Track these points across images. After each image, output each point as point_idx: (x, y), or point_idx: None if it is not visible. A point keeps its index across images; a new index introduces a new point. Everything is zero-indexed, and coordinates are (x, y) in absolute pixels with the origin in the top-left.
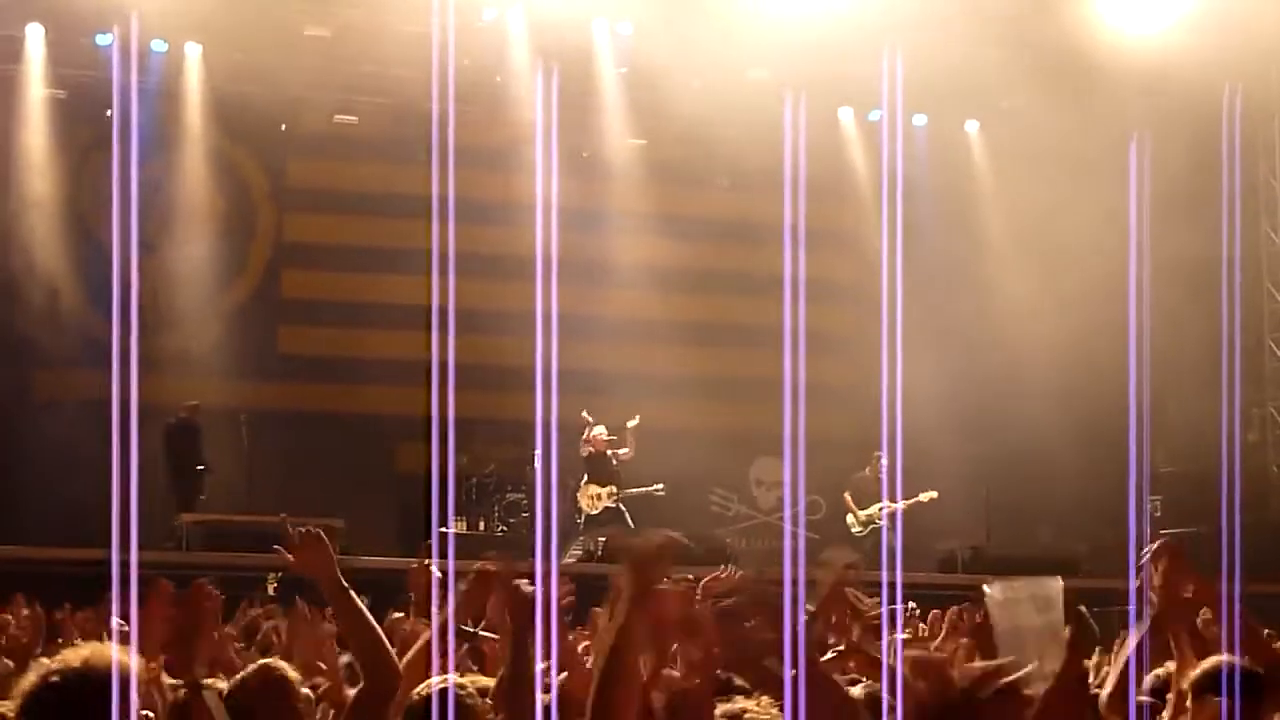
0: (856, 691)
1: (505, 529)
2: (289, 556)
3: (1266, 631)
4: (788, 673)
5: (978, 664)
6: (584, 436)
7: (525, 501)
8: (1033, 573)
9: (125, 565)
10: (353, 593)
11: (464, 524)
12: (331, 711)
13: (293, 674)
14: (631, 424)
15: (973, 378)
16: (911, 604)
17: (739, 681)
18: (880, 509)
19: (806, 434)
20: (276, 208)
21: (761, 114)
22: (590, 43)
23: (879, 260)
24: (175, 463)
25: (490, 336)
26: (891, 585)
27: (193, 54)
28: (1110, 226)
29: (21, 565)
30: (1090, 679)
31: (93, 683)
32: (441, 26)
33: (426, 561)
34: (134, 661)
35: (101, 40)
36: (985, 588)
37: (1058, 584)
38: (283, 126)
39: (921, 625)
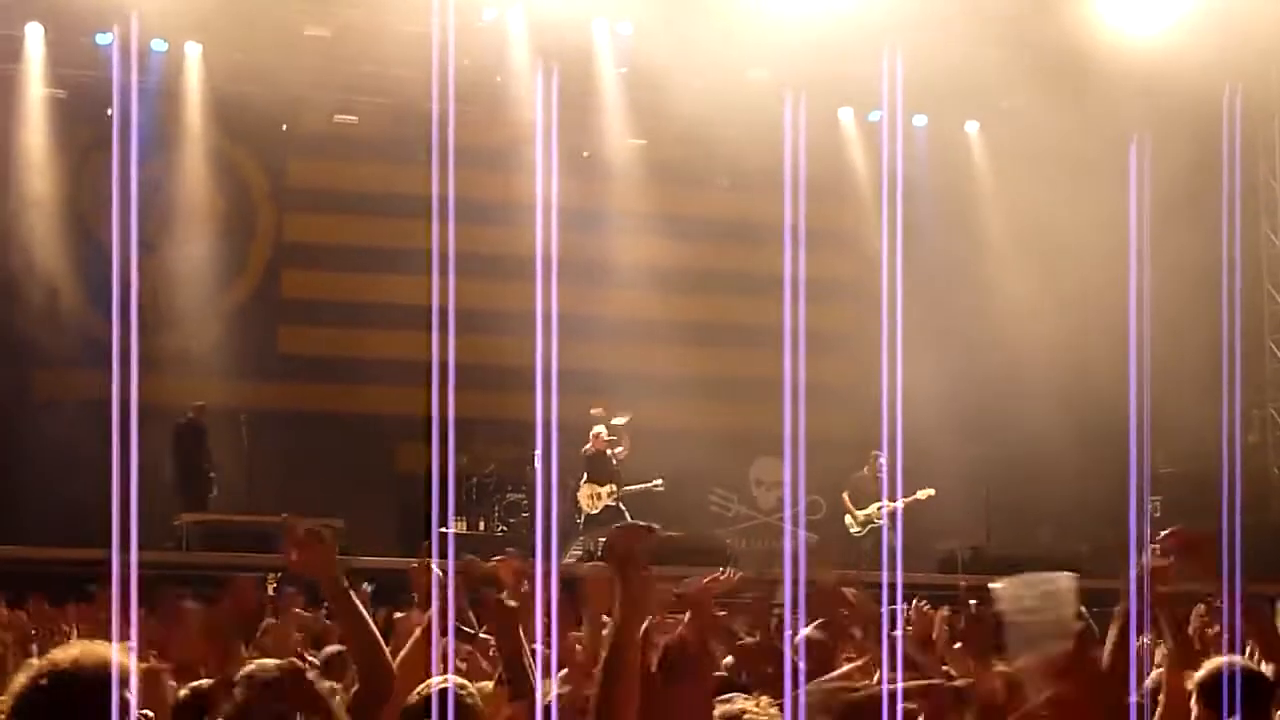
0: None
1: (505, 529)
2: (291, 555)
3: None
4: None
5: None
6: (593, 432)
7: (525, 501)
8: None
9: (125, 565)
10: (352, 593)
11: (464, 524)
12: None
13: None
14: (619, 421)
15: (973, 378)
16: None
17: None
18: (879, 508)
19: (806, 434)
20: (276, 208)
21: (761, 114)
22: (590, 43)
23: (879, 260)
24: (183, 462)
25: (490, 336)
26: (891, 585)
27: (193, 54)
28: (1110, 227)
29: (22, 565)
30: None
31: (83, 682)
32: (441, 26)
33: (427, 561)
34: (133, 661)
35: (101, 40)
36: (993, 584)
37: (1070, 580)
38: (283, 127)
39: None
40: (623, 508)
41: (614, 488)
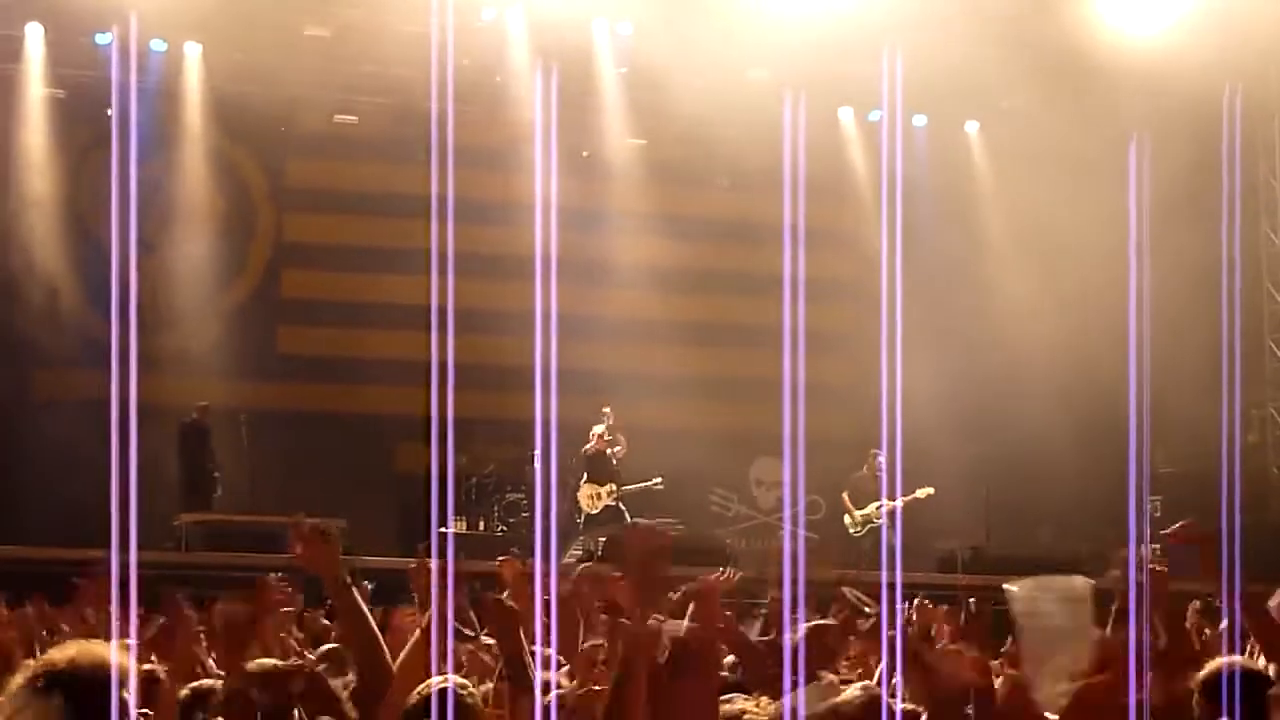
0: (855, 691)
1: (505, 529)
2: (297, 550)
3: None
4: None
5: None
6: (594, 431)
7: (525, 501)
8: (1033, 573)
9: (125, 565)
10: (355, 591)
11: (464, 524)
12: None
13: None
14: (605, 411)
15: (973, 378)
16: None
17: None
18: (877, 508)
19: (806, 434)
20: (276, 208)
21: (761, 114)
22: (590, 43)
23: (879, 260)
24: (188, 463)
25: (490, 336)
26: (891, 585)
27: (192, 54)
28: (1110, 226)
29: (22, 565)
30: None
31: (80, 682)
32: (441, 26)
33: (426, 561)
34: (132, 662)
35: (101, 40)
36: (1006, 586)
37: (1085, 583)
38: (283, 127)
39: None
40: (623, 507)
41: (614, 487)
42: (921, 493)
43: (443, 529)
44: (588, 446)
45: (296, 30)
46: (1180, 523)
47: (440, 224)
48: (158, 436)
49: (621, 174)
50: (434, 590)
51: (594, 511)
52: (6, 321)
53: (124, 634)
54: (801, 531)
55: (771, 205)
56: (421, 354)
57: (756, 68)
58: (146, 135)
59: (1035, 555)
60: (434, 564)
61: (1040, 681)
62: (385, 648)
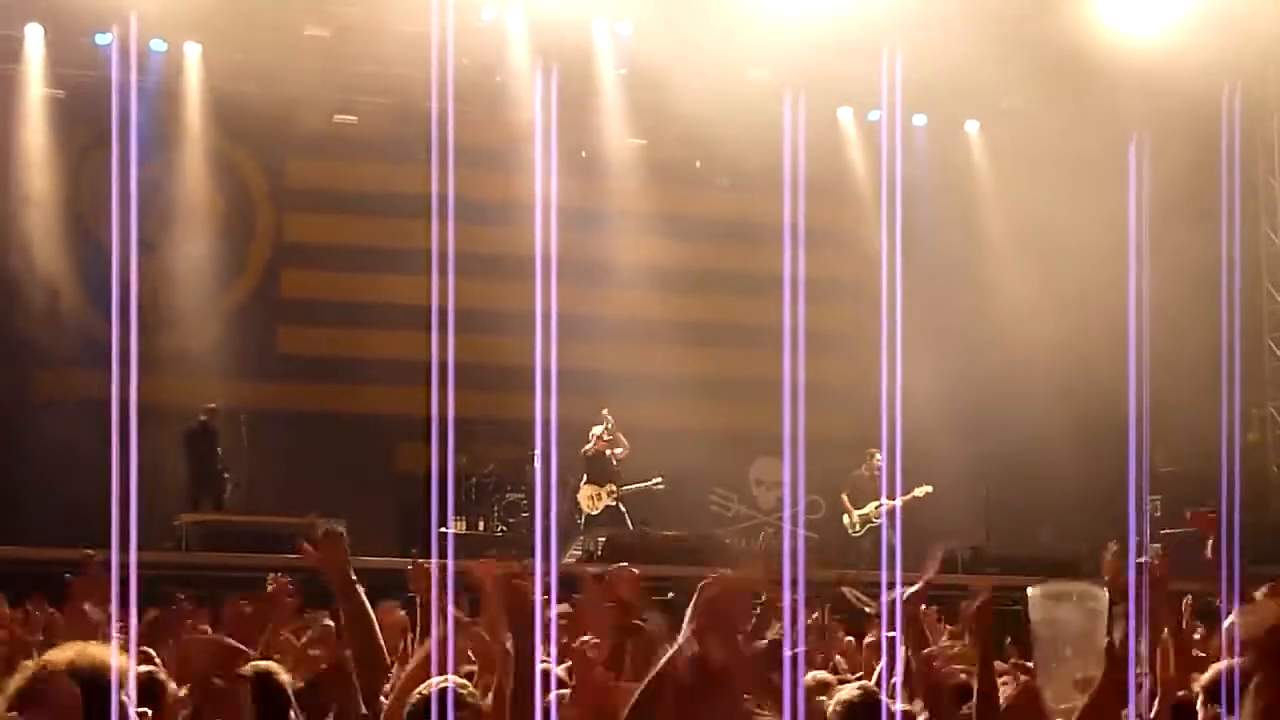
0: (853, 691)
1: (505, 529)
2: (310, 550)
3: None
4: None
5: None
6: (597, 434)
7: (525, 501)
8: (1032, 573)
9: (125, 565)
10: (359, 589)
11: (464, 524)
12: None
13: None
14: (604, 413)
15: (973, 378)
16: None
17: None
18: (876, 507)
19: (806, 434)
20: (276, 208)
21: (761, 114)
22: (590, 43)
23: (879, 260)
24: (197, 466)
25: (490, 336)
26: (891, 585)
27: (192, 54)
28: (1110, 226)
29: (21, 565)
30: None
31: (80, 682)
32: (441, 26)
33: (424, 561)
34: (132, 663)
35: (101, 40)
36: (1030, 590)
37: (1103, 594)
38: (282, 127)
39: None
40: (623, 508)
41: (614, 487)
42: (920, 491)
43: (443, 529)
44: (587, 447)
45: (296, 30)
46: (1202, 508)
47: (440, 224)
48: (158, 437)
49: (621, 174)
50: (433, 591)
51: (594, 512)
52: (6, 321)
53: (123, 633)
54: (801, 531)
55: (771, 205)
56: (421, 354)
57: (756, 68)
58: (146, 135)
59: (1035, 555)
60: (434, 565)
61: (1051, 688)
62: (382, 645)
